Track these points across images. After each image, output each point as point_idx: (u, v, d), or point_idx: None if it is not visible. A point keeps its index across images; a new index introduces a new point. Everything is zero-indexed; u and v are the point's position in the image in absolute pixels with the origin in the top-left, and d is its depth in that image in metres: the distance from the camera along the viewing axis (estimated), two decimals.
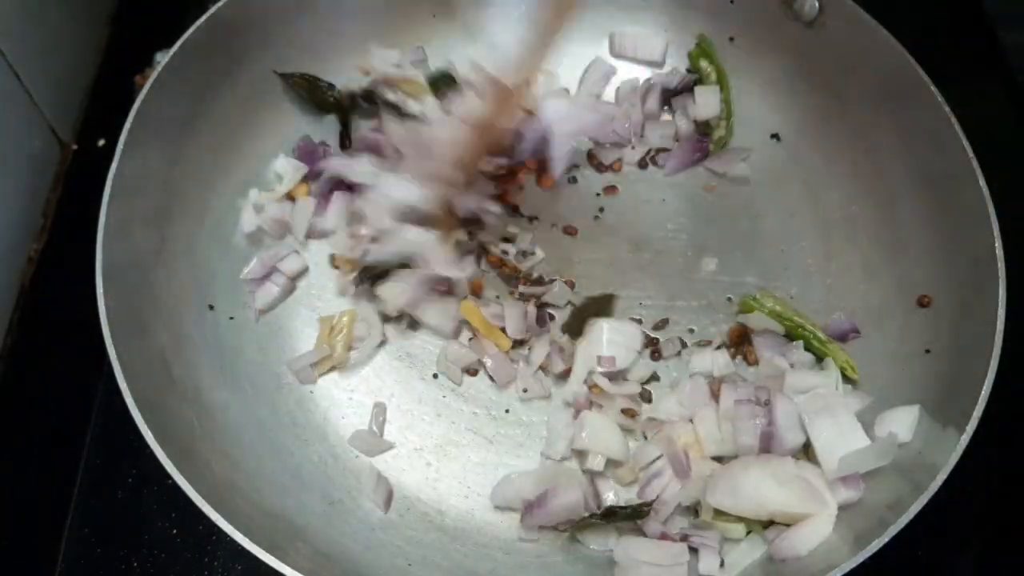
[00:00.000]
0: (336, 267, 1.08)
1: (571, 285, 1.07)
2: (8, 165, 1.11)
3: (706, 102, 1.16)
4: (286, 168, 1.11)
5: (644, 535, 0.90)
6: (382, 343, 1.04)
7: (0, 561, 0.97)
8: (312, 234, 1.10)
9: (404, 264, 1.03)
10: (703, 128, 1.18)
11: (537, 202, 1.13)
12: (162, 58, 1.01)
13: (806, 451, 0.92)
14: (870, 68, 1.07)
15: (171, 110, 1.01)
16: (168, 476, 0.80)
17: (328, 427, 0.99)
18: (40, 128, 1.19)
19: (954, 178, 0.98)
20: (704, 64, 1.17)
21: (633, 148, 1.17)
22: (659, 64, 1.21)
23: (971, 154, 0.96)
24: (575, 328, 1.04)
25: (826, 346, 1.00)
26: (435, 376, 1.03)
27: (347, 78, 1.16)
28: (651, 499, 0.91)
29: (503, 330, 1.02)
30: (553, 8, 0.92)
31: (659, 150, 1.17)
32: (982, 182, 0.94)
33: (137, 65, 1.23)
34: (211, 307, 1.02)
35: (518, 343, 1.03)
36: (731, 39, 1.18)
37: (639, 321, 1.05)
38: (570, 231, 1.11)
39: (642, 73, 1.21)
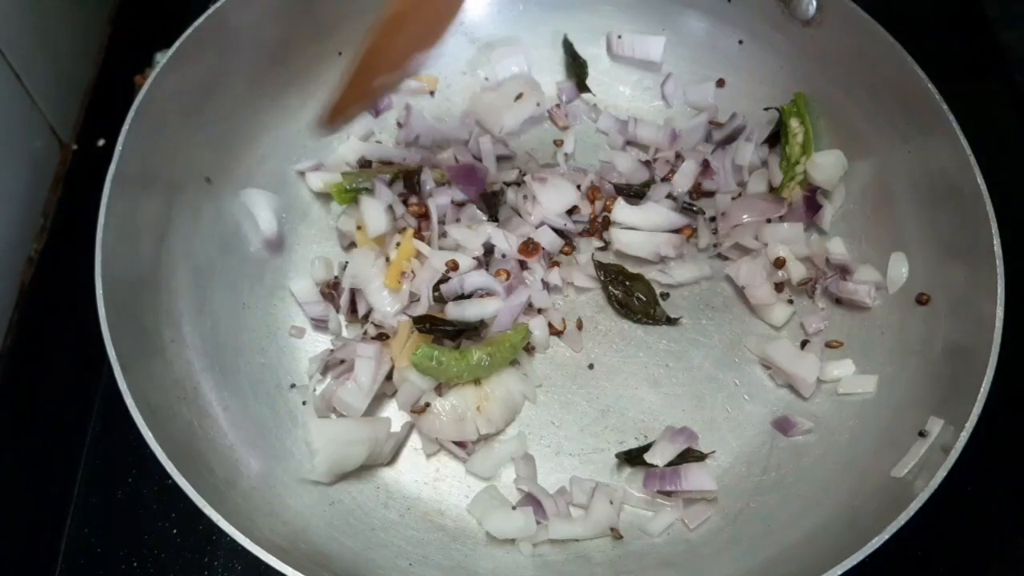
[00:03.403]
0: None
1: None
2: (8, 165, 1.11)
3: (826, 165, 1.09)
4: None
5: None
6: None
7: (0, 561, 0.97)
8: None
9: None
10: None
11: None
12: (162, 58, 1.01)
13: None
14: (868, 67, 1.07)
15: (170, 110, 1.01)
16: (168, 476, 0.80)
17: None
18: (40, 128, 1.19)
19: (953, 177, 0.98)
20: (794, 123, 1.12)
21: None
22: (657, 65, 1.21)
23: (970, 153, 0.96)
24: None
25: None
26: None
27: None
28: None
29: None
30: None
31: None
32: (981, 181, 0.95)
33: (137, 65, 1.24)
34: (212, 307, 1.02)
35: None
36: (740, 42, 1.18)
37: None
38: None
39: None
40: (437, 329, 0.98)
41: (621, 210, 1.09)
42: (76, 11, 1.28)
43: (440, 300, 1.01)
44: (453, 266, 1.02)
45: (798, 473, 0.95)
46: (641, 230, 1.09)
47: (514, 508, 0.93)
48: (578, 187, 1.10)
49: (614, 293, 1.07)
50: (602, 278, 1.08)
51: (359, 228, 1.08)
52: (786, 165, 1.12)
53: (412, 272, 1.03)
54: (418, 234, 1.06)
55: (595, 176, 1.13)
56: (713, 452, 0.97)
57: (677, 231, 1.10)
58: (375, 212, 1.05)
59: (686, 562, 0.91)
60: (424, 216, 1.08)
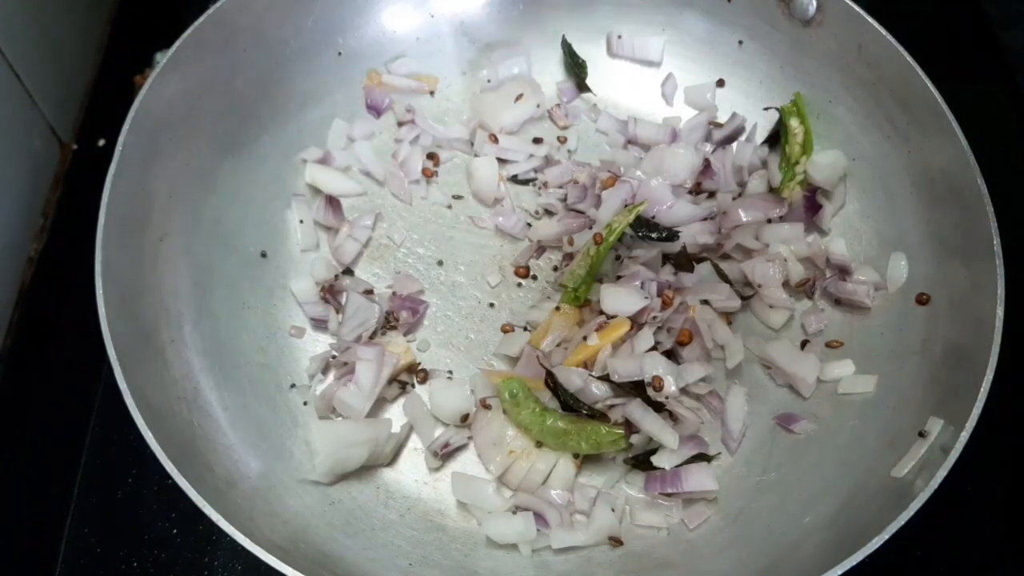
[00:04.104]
0: None
1: None
2: (8, 165, 1.11)
3: (825, 165, 1.09)
4: None
5: None
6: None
7: (0, 561, 0.97)
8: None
9: None
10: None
11: None
12: (162, 58, 1.01)
13: None
14: (868, 67, 1.07)
15: (170, 110, 1.01)
16: (168, 476, 0.80)
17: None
18: (40, 128, 1.19)
19: (953, 177, 0.98)
20: (794, 123, 1.12)
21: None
22: (656, 64, 1.22)
23: (970, 153, 0.96)
24: None
25: None
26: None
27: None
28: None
29: None
30: None
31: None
32: (980, 181, 0.95)
33: (137, 65, 1.24)
34: (212, 307, 1.02)
35: None
36: (740, 42, 1.18)
37: None
38: None
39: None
40: (557, 394, 0.95)
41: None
42: (76, 11, 1.28)
43: (605, 377, 0.96)
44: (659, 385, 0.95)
45: (798, 473, 0.95)
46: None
47: (514, 512, 0.93)
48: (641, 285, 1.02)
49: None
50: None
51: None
52: (786, 165, 1.12)
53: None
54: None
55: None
56: (719, 454, 0.97)
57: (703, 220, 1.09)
58: None
59: (686, 562, 0.91)
60: None
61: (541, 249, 1.11)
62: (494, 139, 1.16)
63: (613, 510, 0.93)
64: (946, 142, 0.98)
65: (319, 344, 1.04)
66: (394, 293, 1.07)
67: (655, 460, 0.94)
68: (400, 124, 1.19)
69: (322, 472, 0.92)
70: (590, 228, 1.08)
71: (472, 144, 1.17)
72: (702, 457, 0.95)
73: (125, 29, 1.36)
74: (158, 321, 0.96)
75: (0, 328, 1.09)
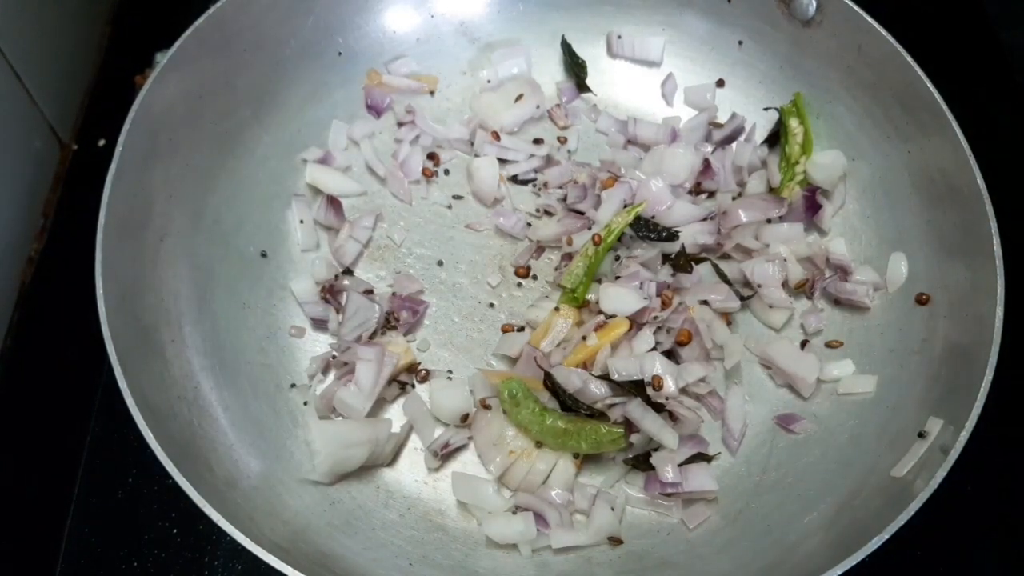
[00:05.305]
0: None
1: None
2: (8, 165, 1.11)
3: (825, 165, 1.10)
4: None
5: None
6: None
7: (0, 561, 0.97)
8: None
9: None
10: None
11: None
12: (162, 58, 1.01)
13: None
14: (868, 67, 1.07)
15: (171, 110, 1.01)
16: (168, 476, 0.80)
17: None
18: (40, 128, 1.19)
19: (952, 177, 0.98)
20: (794, 123, 1.13)
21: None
22: (656, 64, 1.22)
23: (969, 153, 0.96)
24: None
25: None
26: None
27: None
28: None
29: None
30: None
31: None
32: (981, 181, 0.95)
33: (137, 65, 1.24)
34: (212, 307, 1.02)
35: None
36: (740, 43, 1.18)
37: None
38: None
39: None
40: (556, 395, 0.95)
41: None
42: (76, 11, 1.28)
43: (604, 377, 0.97)
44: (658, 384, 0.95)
45: (798, 473, 0.95)
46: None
47: (514, 512, 0.93)
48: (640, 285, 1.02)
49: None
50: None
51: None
52: (786, 165, 1.12)
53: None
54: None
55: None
56: (719, 453, 0.97)
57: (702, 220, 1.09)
58: None
59: (686, 562, 0.91)
60: None
61: (541, 249, 1.11)
62: (496, 137, 1.16)
63: (613, 510, 0.93)
64: (946, 142, 0.98)
65: (319, 344, 1.04)
66: (394, 293, 1.07)
67: (654, 460, 0.94)
68: (400, 124, 1.19)
69: (322, 472, 0.92)
70: (589, 228, 1.08)
71: (472, 144, 1.18)
72: (702, 457, 0.95)
73: (125, 29, 1.36)
74: (158, 321, 0.96)
75: (0, 328, 1.09)
